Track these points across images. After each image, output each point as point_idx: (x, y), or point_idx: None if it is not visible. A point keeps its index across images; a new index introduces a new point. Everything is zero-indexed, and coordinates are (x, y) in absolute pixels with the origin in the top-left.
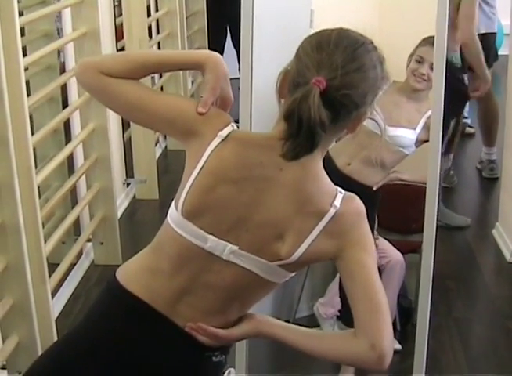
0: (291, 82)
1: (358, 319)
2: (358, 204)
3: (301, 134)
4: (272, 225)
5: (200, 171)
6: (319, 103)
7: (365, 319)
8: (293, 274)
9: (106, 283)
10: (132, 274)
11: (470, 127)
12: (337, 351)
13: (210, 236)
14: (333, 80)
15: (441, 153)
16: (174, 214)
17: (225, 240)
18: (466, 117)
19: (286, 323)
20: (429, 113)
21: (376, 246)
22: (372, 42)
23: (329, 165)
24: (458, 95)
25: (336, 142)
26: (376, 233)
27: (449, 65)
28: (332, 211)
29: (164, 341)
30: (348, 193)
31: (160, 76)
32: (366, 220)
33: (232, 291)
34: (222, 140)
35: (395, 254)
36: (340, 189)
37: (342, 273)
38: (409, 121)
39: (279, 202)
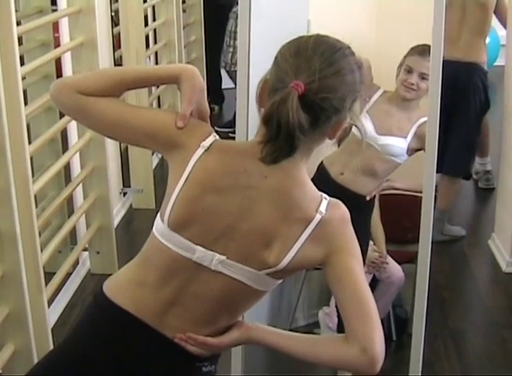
0: (270, 89)
1: (348, 324)
2: (343, 209)
3: (279, 137)
4: (259, 233)
5: (185, 183)
6: (297, 106)
7: (356, 323)
8: (280, 281)
9: (94, 297)
10: (119, 287)
11: None
12: (328, 356)
13: (198, 247)
14: (312, 84)
15: (476, 155)
16: (160, 226)
17: (212, 251)
18: None
19: (277, 329)
20: (420, 121)
21: (384, 268)
22: (349, 47)
23: (323, 175)
24: (485, 99)
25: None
26: (385, 255)
27: (478, 69)
28: (318, 217)
29: (153, 352)
30: (333, 199)
31: (157, 86)
32: (351, 225)
33: (220, 301)
34: (205, 150)
35: (397, 272)
36: (324, 195)
37: (330, 279)
38: (400, 129)
39: (266, 210)
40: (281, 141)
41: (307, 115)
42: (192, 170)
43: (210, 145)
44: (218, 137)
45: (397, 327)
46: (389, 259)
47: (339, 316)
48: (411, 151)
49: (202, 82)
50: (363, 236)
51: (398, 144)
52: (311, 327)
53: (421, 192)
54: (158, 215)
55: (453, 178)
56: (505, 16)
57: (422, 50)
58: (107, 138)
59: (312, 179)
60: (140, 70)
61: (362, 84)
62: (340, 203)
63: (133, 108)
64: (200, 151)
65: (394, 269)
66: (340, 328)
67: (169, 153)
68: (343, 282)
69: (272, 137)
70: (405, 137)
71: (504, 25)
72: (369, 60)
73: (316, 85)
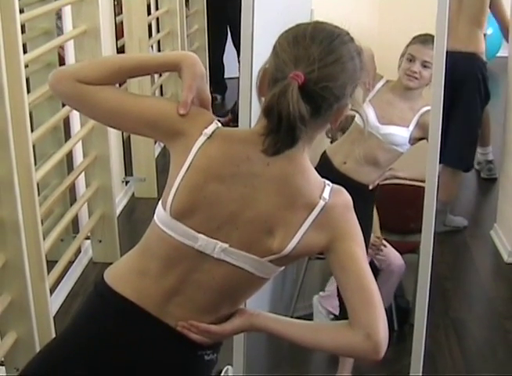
0: (270, 79)
1: (352, 310)
2: (346, 196)
3: (281, 129)
4: (262, 220)
5: (187, 170)
6: (297, 97)
7: (359, 309)
8: (282, 268)
9: (94, 285)
10: (121, 276)
11: None
12: (331, 342)
13: (201, 235)
14: (311, 73)
15: (477, 145)
16: (161, 214)
17: (215, 239)
18: None
19: (279, 316)
20: (422, 110)
21: (381, 250)
22: (348, 34)
23: (326, 164)
24: (485, 90)
25: (331, 141)
26: (382, 238)
27: (477, 59)
28: (321, 203)
29: (155, 341)
30: (336, 186)
31: (160, 74)
32: (354, 212)
33: (222, 290)
34: (208, 138)
35: (397, 260)
36: (327, 181)
37: (333, 266)
38: (402, 119)
39: (268, 197)
40: (282, 133)
41: (308, 105)
42: (195, 158)
43: (213, 133)
44: (220, 125)
45: (398, 317)
46: (388, 247)
47: (340, 301)
48: (413, 140)
49: (203, 69)
50: (366, 225)
51: (400, 133)
52: (312, 317)
53: (424, 181)
54: (159, 203)
55: (455, 171)
56: (500, 12)
57: (424, 39)
58: (108, 127)
59: (315, 168)
60: (140, 57)
61: (363, 71)
62: (343, 189)
63: (133, 96)
64: (202, 139)
65: (394, 257)
66: (343, 314)
67: (171, 141)
68: (346, 268)
69: (274, 129)
70: (408, 126)
71: (499, 21)
72: (372, 50)
73: (316, 75)
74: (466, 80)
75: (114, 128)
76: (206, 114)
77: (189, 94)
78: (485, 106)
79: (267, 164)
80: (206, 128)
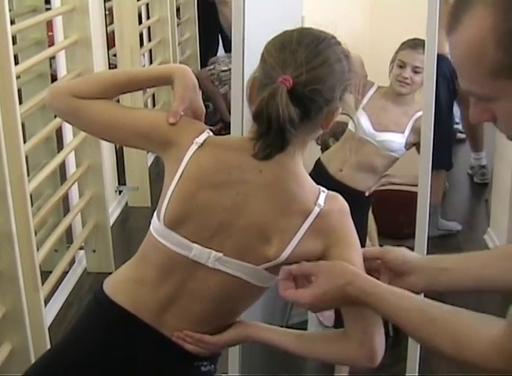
0: (259, 85)
1: (347, 317)
2: (342, 202)
3: (271, 132)
4: (256, 228)
5: (179, 179)
6: (286, 100)
7: (355, 317)
8: (280, 278)
9: (94, 295)
10: (119, 285)
11: (462, 132)
12: (327, 351)
13: (195, 245)
14: (300, 76)
15: (471, 150)
16: (156, 224)
17: (209, 248)
18: (457, 123)
19: (274, 327)
20: (416, 115)
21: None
22: (334, 37)
23: (321, 171)
24: (454, 87)
25: (321, 149)
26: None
27: (443, 60)
28: (316, 209)
29: (151, 351)
30: (331, 192)
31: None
32: (350, 218)
33: (218, 300)
34: (199, 147)
35: None
36: (322, 188)
37: None
38: (397, 124)
39: (263, 204)
40: (272, 136)
41: (297, 109)
42: (186, 167)
43: (204, 141)
44: (211, 133)
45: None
46: None
47: (336, 312)
48: (409, 145)
49: (195, 80)
50: (362, 231)
51: (397, 139)
52: (307, 324)
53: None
54: (155, 213)
55: (437, 172)
56: None
57: (413, 44)
58: (103, 140)
59: (310, 175)
60: (132, 72)
61: (351, 73)
62: (338, 195)
63: (125, 109)
64: (193, 148)
65: None
66: (337, 324)
67: (163, 151)
68: None
69: (264, 133)
70: (403, 132)
71: None
72: (361, 57)
73: (304, 78)
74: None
75: (108, 140)
76: (197, 124)
77: (180, 104)
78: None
79: (259, 171)
80: (197, 137)
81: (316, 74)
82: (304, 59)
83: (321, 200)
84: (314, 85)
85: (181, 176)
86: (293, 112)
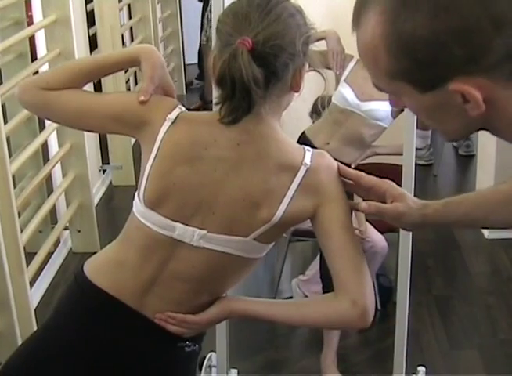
0: (219, 55)
1: (337, 277)
2: (329, 159)
3: (235, 95)
4: (241, 200)
5: (155, 158)
6: (248, 59)
7: (345, 276)
8: (270, 246)
9: (74, 277)
10: (99, 267)
11: None
12: (316, 314)
13: (177, 224)
14: (257, 36)
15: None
16: (138, 205)
17: (191, 226)
18: None
19: (259, 299)
20: None
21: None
22: None
23: (307, 145)
24: None
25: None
26: (364, 227)
27: None
28: (303, 168)
29: (133, 334)
30: (317, 150)
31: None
32: (340, 177)
33: (203, 277)
34: (172, 123)
35: (380, 241)
36: (307, 147)
37: (319, 232)
38: (381, 93)
39: (246, 177)
40: (237, 98)
41: (261, 68)
42: (161, 144)
43: (177, 117)
44: (184, 109)
45: (382, 296)
46: (371, 229)
47: (323, 283)
48: (396, 113)
49: (161, 59)
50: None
51: (382, 108)
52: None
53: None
54: (136, 193)
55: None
56: None
57: None
58: (80, 130)
59: None
60: (97, 58)
61: (307, 26)
62: (325, 152)
63: (95, 95)
64: (166, 124)
65: (377, 238)
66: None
67: (138, 132)
68: (331, 233)
69: (228, 96)
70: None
71: None
72: (342, 29)
73: (262, 36)
74: None
75: (84, 129)
76: (168, 100)
77: (149, 84)
78: None
79: (237, 144)
80: (169, 113)
81: (273, 30)
82: (257, 19)
83: (307, 159)
84: (273, 41)
85: (156, 154)
86: (256, 71)
